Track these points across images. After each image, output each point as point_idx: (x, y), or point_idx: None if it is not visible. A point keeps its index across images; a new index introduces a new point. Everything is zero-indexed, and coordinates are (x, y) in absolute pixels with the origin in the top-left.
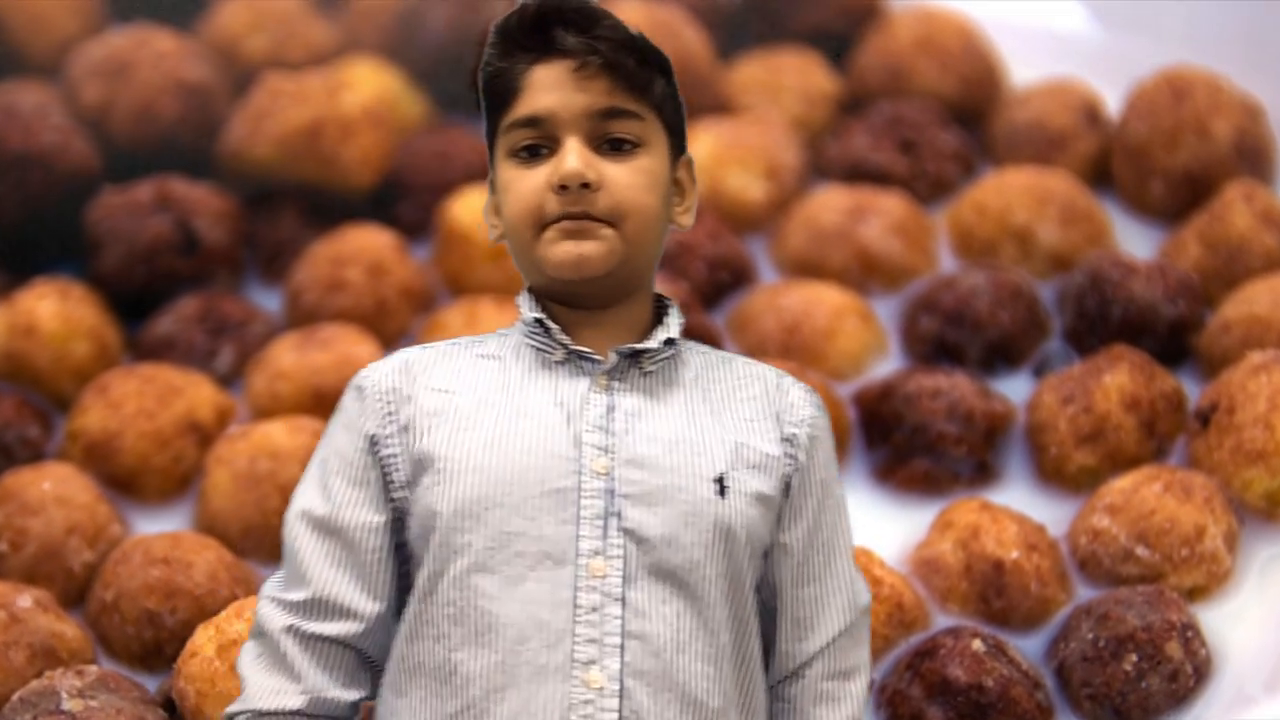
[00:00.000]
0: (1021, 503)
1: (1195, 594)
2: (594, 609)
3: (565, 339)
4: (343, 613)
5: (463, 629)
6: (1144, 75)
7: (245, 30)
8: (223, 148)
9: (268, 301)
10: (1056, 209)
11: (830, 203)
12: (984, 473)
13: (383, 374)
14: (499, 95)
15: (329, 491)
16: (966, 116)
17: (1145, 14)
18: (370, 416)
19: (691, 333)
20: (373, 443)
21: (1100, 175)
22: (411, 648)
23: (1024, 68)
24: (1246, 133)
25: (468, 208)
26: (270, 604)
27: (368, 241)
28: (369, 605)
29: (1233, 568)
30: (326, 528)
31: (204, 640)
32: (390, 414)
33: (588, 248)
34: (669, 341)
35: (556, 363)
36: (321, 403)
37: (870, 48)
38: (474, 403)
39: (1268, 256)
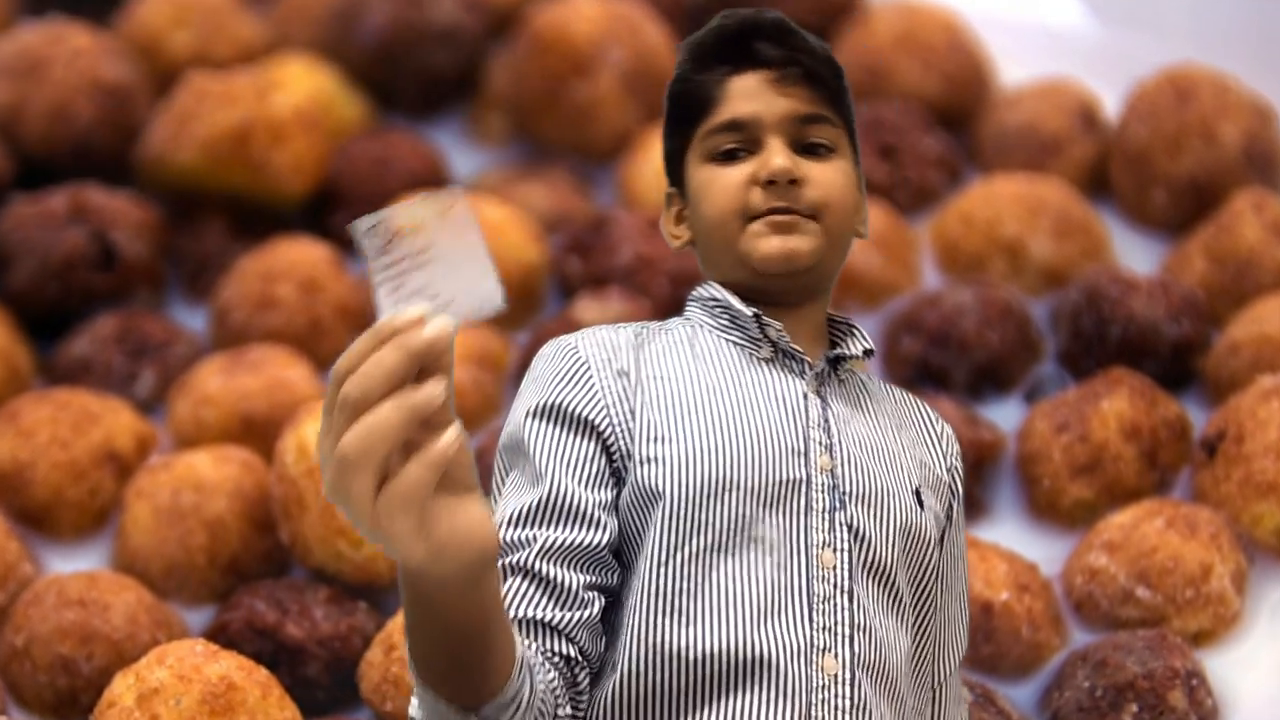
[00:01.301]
0: (1012, 539)
1: (1201, 638)
2: (826, 599)
3: (783, 336)
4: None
5: (700, 604)
6: (1145, 74)
7: (168, 26)
8: (143, 154)
9: (192, 321)
10: (1050, 220)
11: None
12: (971, 507)
13: (601, 350)
14: (694, 106)
15: (548, 476)
16: (951, 119)
17: (1146, 8)
18: (594, 398)
19: None
20: (599, 436)
21: (1097, 183)
22: (636, 618)
23: (1014, 66)
24: (1256, 137)
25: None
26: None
27: (301, 255)
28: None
29: (1241, 610)
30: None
31: (122, 689)
32: (618, 396)
33: (795, 241)
34: (868, 352)
35: (762, 360)
36: (250, 431)
37: (846, 44)
38: (694, 388)
39: (1279, 271)
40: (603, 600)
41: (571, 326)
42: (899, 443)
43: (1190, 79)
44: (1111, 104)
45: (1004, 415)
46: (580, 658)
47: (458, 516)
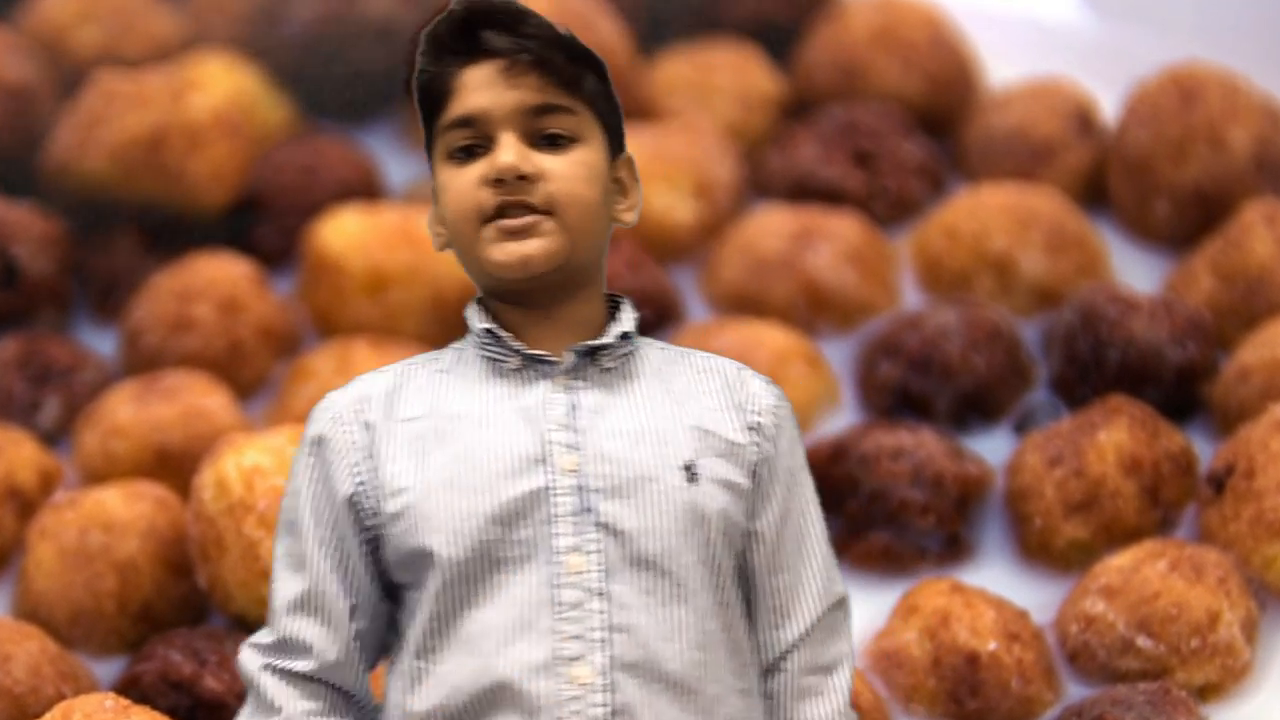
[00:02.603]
0: (1000, 584)
1: (1207, 692)
2: (575, 605)
3: (519, 345)
4: (312, 653)
5: (446, 640)
6: (1146, 73)
7: (74, 21)
8: (47, 161)
9: (100, 344)
10: (1042, 233)
11: (772, 226)
12: (955, 548)
13: (347, 420)
14: (432, 100)
15: (307, 565)
16: (934, 123)
17: (1147, 0)
18: (342, 474)
19: None
20: (350, 502)
21: (1094, 193)
22: (399, 668)
23: (1003, 65)
24: (1268, 142)
25: (339, 231)
26: (247, 649)
27: (220, 273)
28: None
29: (1252, 661)
30: (307, 605)
31: None
32: (360, 462)
33: (530, 246)
34: (624, 336)
35: (513, 370)
36: (165, 464)
37: (819, 41)
38: (440, 424)
39: None
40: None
41: None
42: (674, 417)
43: (1196, 79)
44: (1109, 106)
45: (991, 448)
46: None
47: None
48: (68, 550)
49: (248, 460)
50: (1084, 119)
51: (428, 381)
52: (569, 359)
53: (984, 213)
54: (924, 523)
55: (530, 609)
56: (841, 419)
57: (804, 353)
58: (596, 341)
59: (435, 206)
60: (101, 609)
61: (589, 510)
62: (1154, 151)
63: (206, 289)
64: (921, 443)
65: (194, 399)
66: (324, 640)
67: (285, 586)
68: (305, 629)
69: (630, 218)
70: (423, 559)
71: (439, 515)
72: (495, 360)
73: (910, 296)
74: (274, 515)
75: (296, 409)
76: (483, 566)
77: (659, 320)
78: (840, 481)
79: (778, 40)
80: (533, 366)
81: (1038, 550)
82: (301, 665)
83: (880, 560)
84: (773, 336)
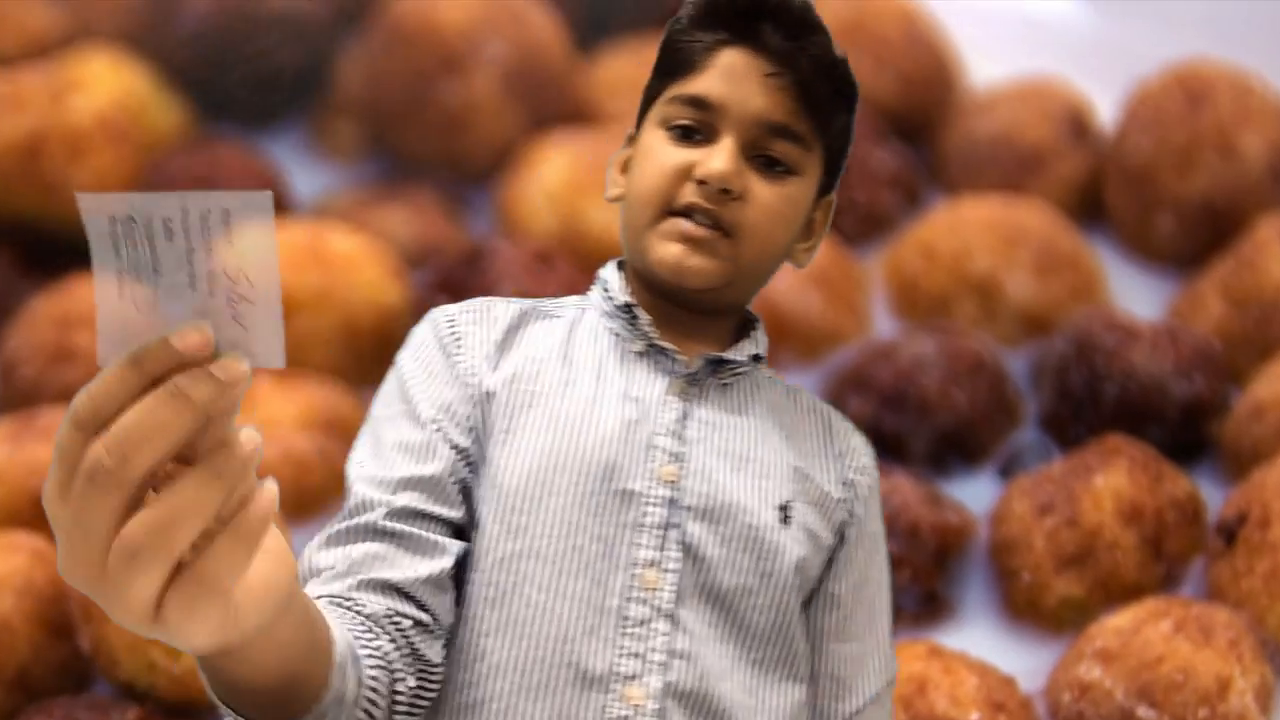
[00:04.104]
0: (984, 646)
1: None
2: (642, 622)
3: (652, 331)
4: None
5: (500, 614)
6: (1148, 72)
7: None
8: None
9: None
10: (1030, 253)
11: None
12: (933, 606)
13: (466, 324)
14: (677, 61)
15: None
16: (909, 128)
17: None
18: (450, 364)
19: None
20: (467, 397)
21: (1089, 207)
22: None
23: (987, 62)
24: None
25: None
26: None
27: None
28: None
29: None
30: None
31: None
32: (471, 367)
33: (696, 261)
34: (755, 358)
35: (635, 354)
36: (43, 512)
37: None
38: (550, 379)
39: None
40: (453, 561)
41: None
42: (779, 453)
43: (1204, 79)
44: (1107, 108)
45: (974, 493)
46: (433, 622)
47: (251, 570)
48: None
49: None
50: (1078, 123)
51: (545, 332)
52: (696, 364)
53: (965, 229)
54: (898, 578)
55: (595, 614)
56: None
57: None
58: (728, 355)
59: (625, 151)
60: None
61: (676, 527)
62: (1157, 160)
63: (90, 315)
64: (895, 488)
65: None
66: (435, 521)
67: (391, 465)
68: (415, 500)
69: (804, 259)
70: (491, 513)
71: (523, 477)
72: (618, 335)
73: (882, 324)
74: None
75: None
76: (557, 550)
77: None
78: None
79: None
80: (655, 358)
81: (1026, 609)
82: (410, 503)
83: None
84: None
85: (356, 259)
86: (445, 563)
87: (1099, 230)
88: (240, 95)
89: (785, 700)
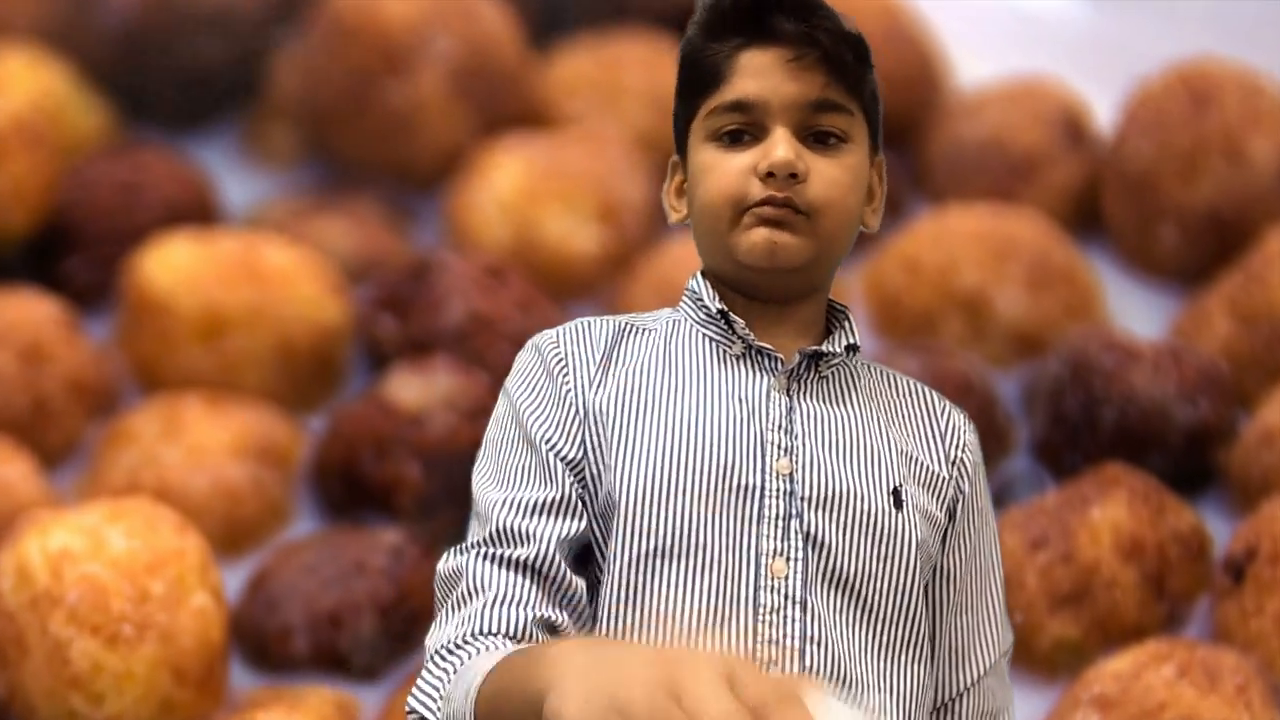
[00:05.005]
0: None
1: None
2: (775, 610)
3: (749, 334)
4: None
5: (638, 612)
6: (1149, 71)
7: None
8: None
9: None
10: (1021, 266)
11: (691, 257)
12: None
13: (567, 344)
14: (702, 77)
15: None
16: (890, 131)
17: None
18: (553, 387)
19: None
20: (577, 416)
21: (1086, 216)
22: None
23: (976, 61)
24: None
25: (166, 264)
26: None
27: (21, 314)
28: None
29: None
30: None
31: None
32: (573, 387)
33: (784, 238)
34: (851, 348)
35: (735, 356)
36: None
37: None
38: (657, 388)
39: None
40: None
41: (383, 408)
42: (885, 439)
43: (1210, 78)
44: (1105, 110)
45: None
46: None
47: None
48: None
49: (54, 543)
50: (1073, 126)
51: (645, 344)
52: (795, 359)
53: (951, 241)
54: None
55: (729, 604)
56: None
57: None
58: (825, 348)
59: (672, 180)
60: None
61: (797, 516)
62: (1159, 166)
63: (4, 334)
64: None
65: None
66: (542, 527)
67: (492, 492)
68: (519, 520)
69: (874, 222)
70: (615, 514)
71: (642, 481)
72: (715, 341)
73: (863, 342)
74: (86, 609)
75: (114, 480)
76: (684, 547)
77: None
78: None
79: None
80: (755, 359)
81: (1017, 652)
82: (525, 552)
83: None
84: None
85: (293, 274)
86: (581, 593)
87: (1096, 242)
88: (167, 96)
89: (912, 680)
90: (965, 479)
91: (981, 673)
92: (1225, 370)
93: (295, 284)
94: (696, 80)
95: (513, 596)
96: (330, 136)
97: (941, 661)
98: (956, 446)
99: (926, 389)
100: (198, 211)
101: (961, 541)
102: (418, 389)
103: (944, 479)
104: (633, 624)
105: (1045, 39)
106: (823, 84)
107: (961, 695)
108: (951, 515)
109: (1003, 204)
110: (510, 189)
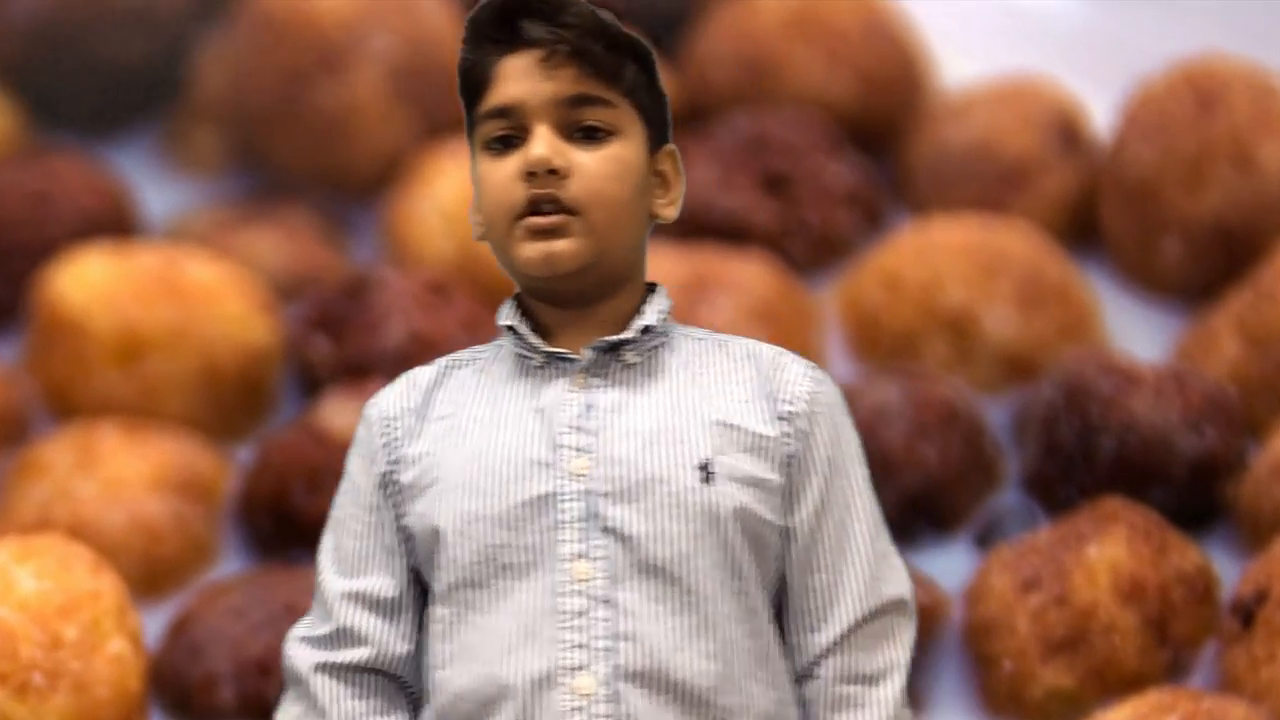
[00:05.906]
0: None
1: None
2: (580, 613)
3: (537, 341)
4: (370, 642)
5: (451, 646)
6: (1151, 71)
7: None
8: None
9: None
10: (1012, 282)
11: (656, 272)
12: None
13: (390, 409)
14: (472, 88)
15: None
16: (870, 136)
17: None
18: (378, 454)
19: None
20: (382, 481)
21: (1082, 228)
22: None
23: (962, 59)
24: None
25: (80, 280)
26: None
27: None
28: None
29: None
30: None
31: None
32: (394, 446)
33: (557, 245)
34: (646, 330)
35: (537, 368)
36: None
37: (719, 28)
38: (465, 420)
39: None
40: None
41: (316, 437)
42: (696, 413)
43: (1216, 78)
44: (1102, 113)
45: (946, 566)
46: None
47: None
48: None
49: None
50: (1068, 130)
51: (465, 379)
52: (587, 356)
53: (936, 256)
54: None
55: (534, 617)
56: None
57: None
58: (616, 337)
59: (475, 195)
60: None
61: (596, 515)
62: (1161, 174)
63: None
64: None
65: None
66: (381, 629)
67: (335, 579)
68: (362, 619)
69: (670, 213)
70: (435, 559)
71: (449, 518)
72: (523, 357)
73: (837, 365)
74: None
75: (23, 515)
76: (489, 572)
77: None
78: None
79: (665, 28)
80: (554, 365)
81: (1007, 701)
82: (358, 655)
83: None
84: None
85: (218, 291)
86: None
87: (1093, 256)
88: (81, 97)
89: (759, 651)
90: (797, 435)
91: (841, 632)
92: (1233, 396)
93: (220, 302)
94: (468, 92)
95: (352, 715)
96: (259, 141)
97: (795, 626)
98: (787, 401)
99: (768, 349)
100: (114, 223)
101: (802, 498)
102: (354, 416)
103: (771, 438)
104: (450, 657)
105: (1037, 35)
106: (576, 78)
107: (820, 659)
108: (788, 473)
109: (991, 215)
110: (454, 198)
